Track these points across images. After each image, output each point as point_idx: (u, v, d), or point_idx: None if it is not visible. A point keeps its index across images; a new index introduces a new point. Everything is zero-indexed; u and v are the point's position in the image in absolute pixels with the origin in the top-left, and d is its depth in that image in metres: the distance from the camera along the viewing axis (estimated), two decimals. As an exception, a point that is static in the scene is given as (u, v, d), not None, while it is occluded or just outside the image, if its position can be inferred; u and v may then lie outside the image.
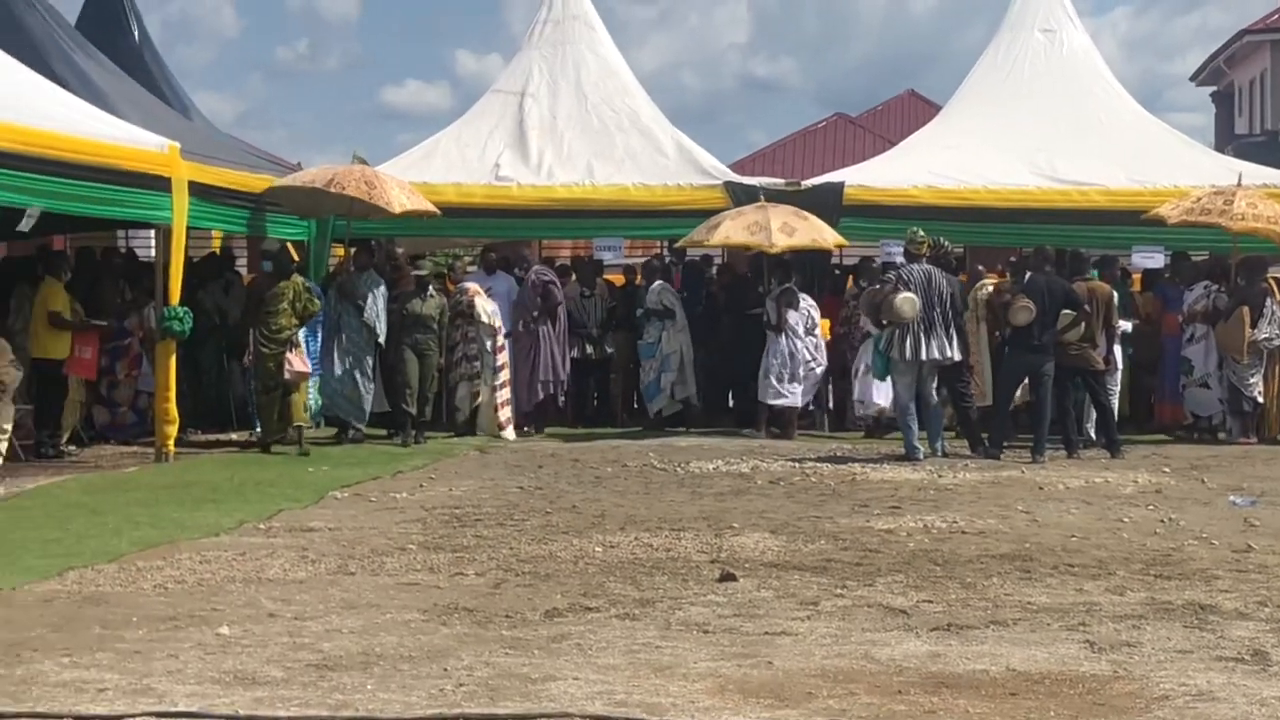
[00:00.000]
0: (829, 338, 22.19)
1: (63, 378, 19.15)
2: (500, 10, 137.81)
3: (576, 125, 24.34)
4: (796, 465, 17.93)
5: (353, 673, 7.95)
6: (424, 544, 12.21)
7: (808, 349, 21.67)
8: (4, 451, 17.55)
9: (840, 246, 21.97)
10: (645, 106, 24.89)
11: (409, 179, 22.47)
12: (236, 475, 16.99)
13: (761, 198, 22.26)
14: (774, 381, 21.57)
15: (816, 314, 21.91)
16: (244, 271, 24.90)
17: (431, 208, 21.20)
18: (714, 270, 24.70)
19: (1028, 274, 19.87)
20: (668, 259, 24.75)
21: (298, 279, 19.92)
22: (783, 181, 24.35)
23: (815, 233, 21.38)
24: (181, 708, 7.24)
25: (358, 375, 20.57)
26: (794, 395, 21.66)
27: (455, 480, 16.63)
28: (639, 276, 23.92)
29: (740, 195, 22.77)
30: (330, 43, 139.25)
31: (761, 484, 16.35)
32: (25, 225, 16.29)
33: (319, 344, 20.65)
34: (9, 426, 17.61)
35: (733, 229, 21.22)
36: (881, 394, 21.25)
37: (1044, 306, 18.82)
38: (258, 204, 20.82)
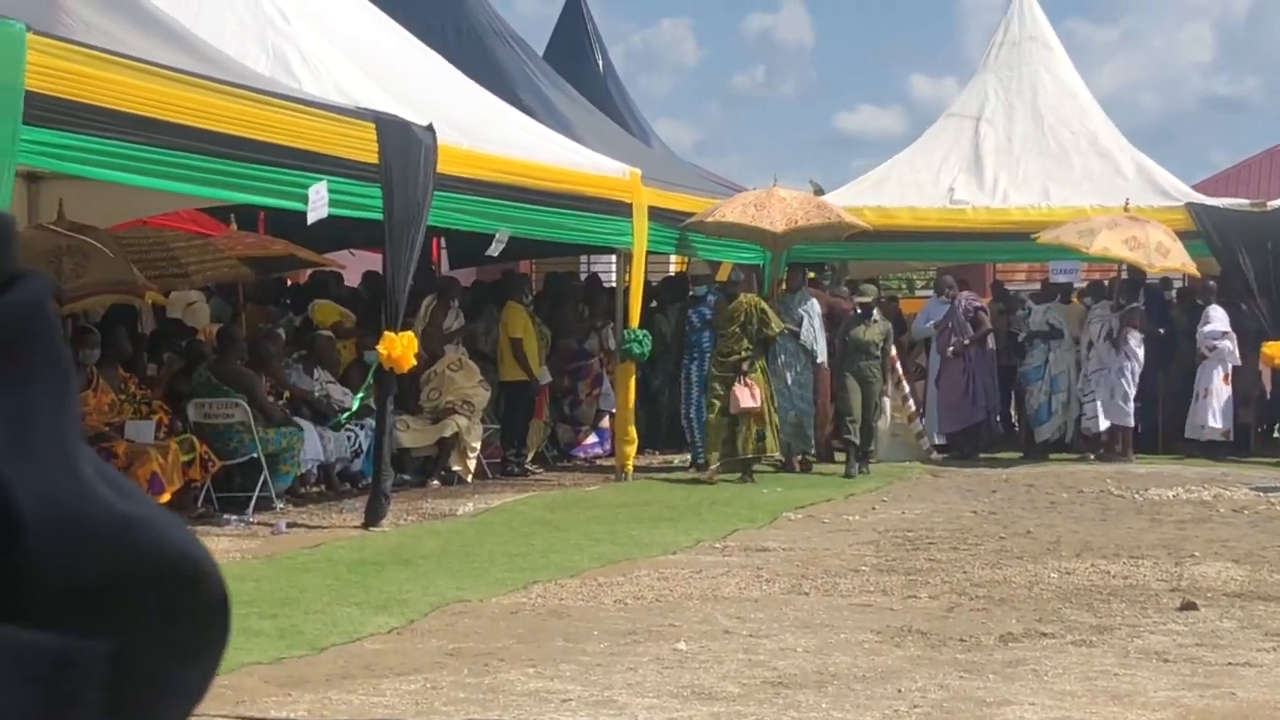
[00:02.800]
0: None
1: (530, 398, 19.72)
2: (955, 33, 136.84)
3: (1033, 148, 24.05)
4: (1261, 494, 17.35)
5: (807, 691, 8.04)
6: (877, 566, 12.25)
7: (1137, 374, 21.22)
8: (472, 469, 18.25)
9: (1203, 276, 21.37)
10: (1104, 128, 24.46)
11: (863, 204, 22.54)
12: (692, 495, 17.30)
13: (1128, 205, 21.69)
14: (1120, 402, 21.06)
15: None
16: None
17: (832, 219, 20.61)
18: (1173, 293, 24.08)
19: None
20: (1123, 278, 24.20)
21: (751, 298, 19.29)
22: (1248, 202, 23.61)
23: (1184, 257, 20.73)
24: None
25: (799, 401, 20.01)
26: (1128, 416, 21.18)
27: (908, 503, 16.62)
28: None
29: (1203, 217, 22.18)
30: (786, 70, 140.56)
31: (1224, 512, 15.89)
32: (494, 250, 16.87)
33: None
34: (478, 445, 18.30)
35: (1110, 240, 20.50)
36: (1218, 418, 21.23)
37: None
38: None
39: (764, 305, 19.18)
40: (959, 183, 23.65)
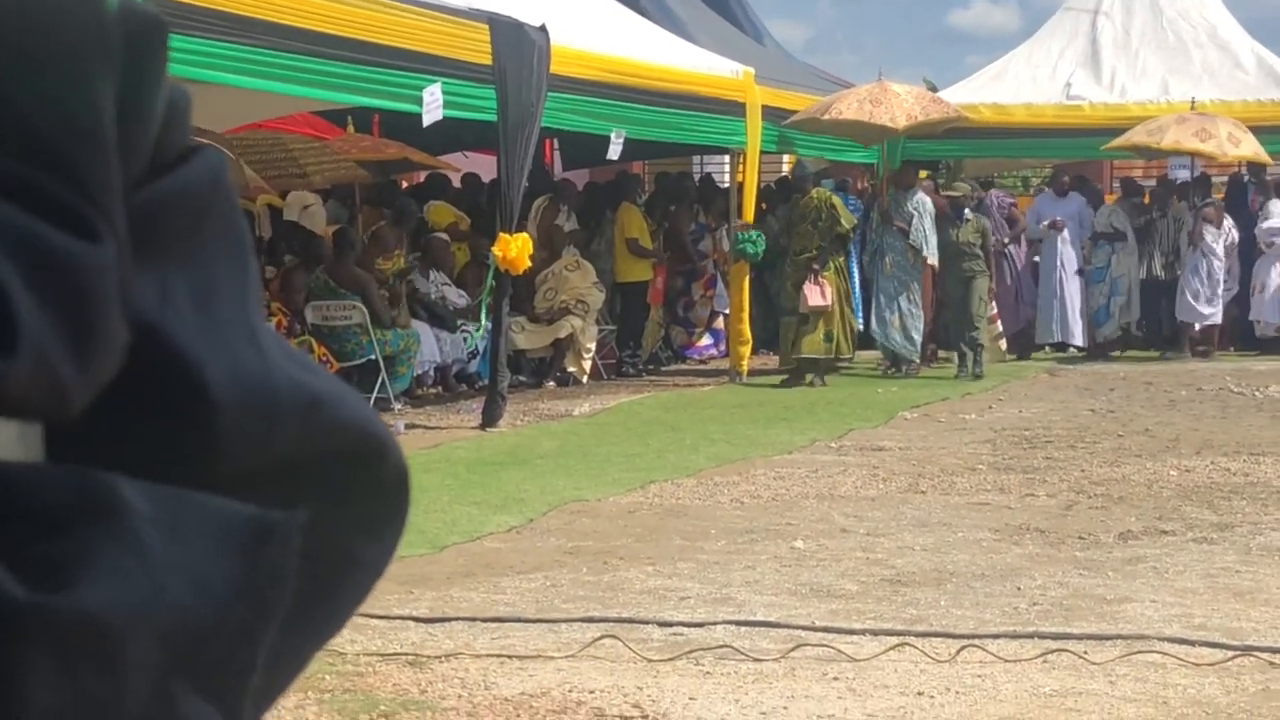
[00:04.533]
0: None
1: (644, 300, 19.74)
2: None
3: (1151, 41, 23.72)
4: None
5: (925, 589, 8.05)
6: (994, 464, 12.21)
7: (1224, 270, 21.05)
8: (588, 370, 18.31)
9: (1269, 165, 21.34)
10: (1224, 19, 24.07)
11: (978, 100, 22.34)
12: (807, 395, 17.29)
13: (1194, 103, 21.47)
14: (1190, 299, 20.92)
15: (1237, 235, 21.19)
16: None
17: (950, 114, 20.37)
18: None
19: None
20: (1245, 178, 23.89)
21: (822, 192, 18.78)
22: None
23: (1256, 147, 20.64)
24: (760, 617, 7.46)
25: (903, 303, 19.45)
26: (1212, 314, 21.07)
27: (1024, 402, 16.54)
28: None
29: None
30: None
31: (1347, 410, 15.71)
32: (613, 152, 16.80)
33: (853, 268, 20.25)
34: (592, 346, 18.35)
35: (1180, 134, 20.45)
36: (1275, 313, 21.22)
37: None
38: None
39: (834, 200, 18.63)
40: (1076, 78, 23.38)
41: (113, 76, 0.79)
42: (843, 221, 18.40)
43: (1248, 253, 21.71)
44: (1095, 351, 21.59)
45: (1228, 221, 21.29)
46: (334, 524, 0.90)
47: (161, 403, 0.82)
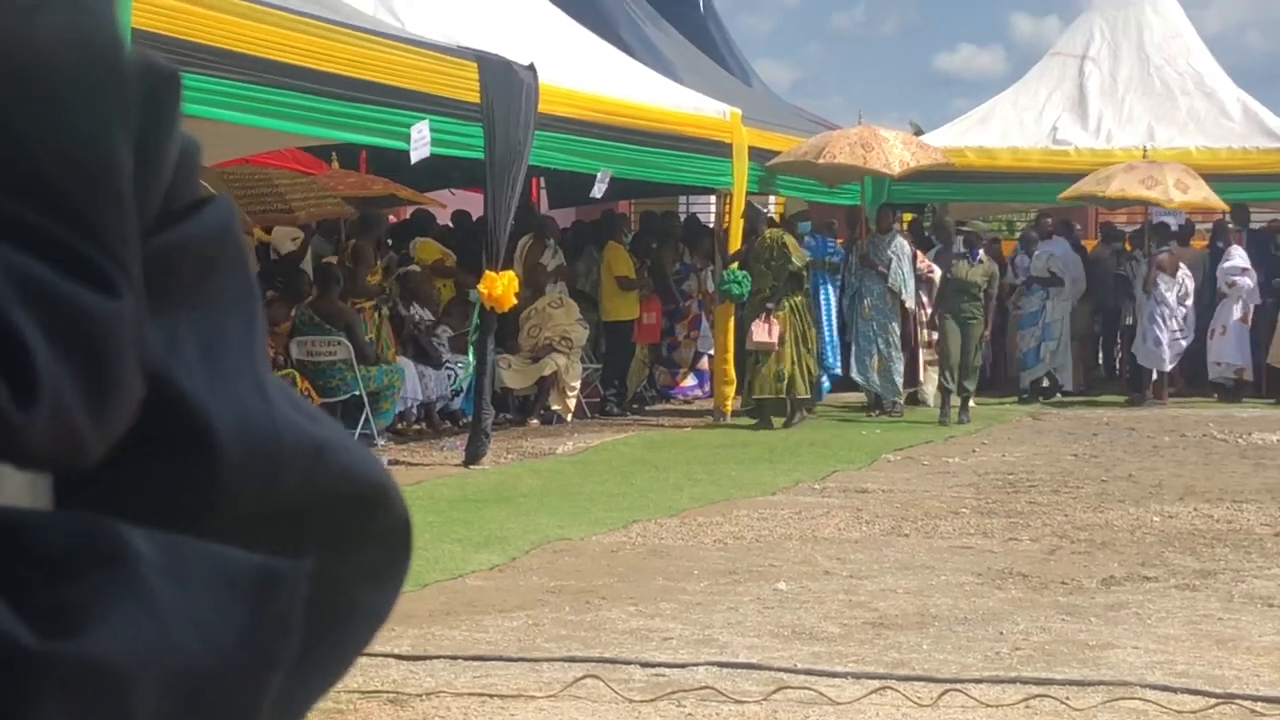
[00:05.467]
0: None
1: (629, 339, 19.71)
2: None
3: (1138, 88, 23.84)
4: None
5: (908, 632, 8.04)
6: (977, 508, 12.21)
7: (1176, 318, 21.05)
8: (572, 408, 18.30)
9: (1226, 211, 21.44)
10: (1210, 67, 24.19)
11: (964, 143, 22.42)
12: (791, 436, 17.29)
13: (1146, 152, 21.73)
14: (1151, 346, 21.07)
15: (1191, 284, 21.22)
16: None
17: (940, 159, 20.46)
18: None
19: None
20: (1229, 225, 23.97)
21: (774, 232, 18.60)
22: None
23: (1207, 193, 20.77)
24: (742, 659, 7.45)
25: (882, 345, 19.35)
26: (1160, 359, 21.06)
27: (1008, 446, 16.54)
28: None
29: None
30: (887, 9, 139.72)
31: (1329, 458, 15.73)
32: (597, 191, 16.85)
33: (830, 312, 20.28)
34: (577, 384, 18.34)
35: (1127, 181, 20.68)
36: (1239, 355, 21.32)
37: None
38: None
39: (786, 239, 18.35)
40: (1062, 122, 23.50)
41: (130, 129, 0.80)
42: (794, 260, 18.17)
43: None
44: (1026, 396, 21.68)
45: (1182, 271, 21.27)
46: (337, 571, 0.90)
47: (169, 451, 0.83)
